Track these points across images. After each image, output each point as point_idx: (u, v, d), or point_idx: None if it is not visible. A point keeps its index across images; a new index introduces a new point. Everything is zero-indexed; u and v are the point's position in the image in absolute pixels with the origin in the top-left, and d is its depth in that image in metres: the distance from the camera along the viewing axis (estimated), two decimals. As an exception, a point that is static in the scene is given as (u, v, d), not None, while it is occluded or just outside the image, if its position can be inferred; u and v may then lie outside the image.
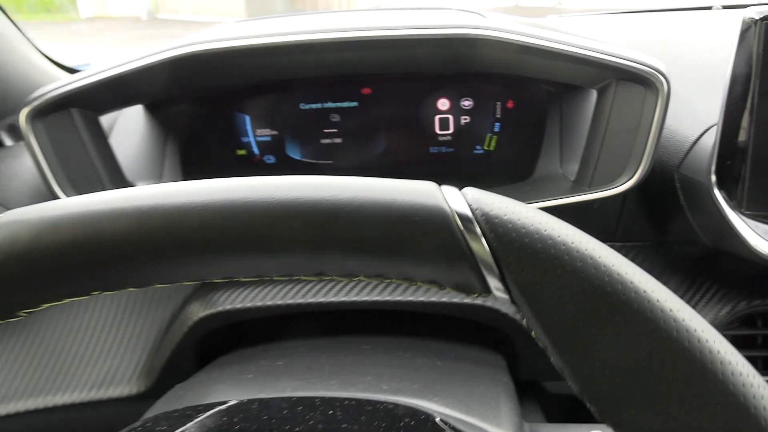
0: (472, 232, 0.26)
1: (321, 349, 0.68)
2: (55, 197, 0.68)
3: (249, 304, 0.72)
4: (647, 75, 0.59)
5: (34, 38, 0.95)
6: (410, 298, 0.71)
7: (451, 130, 0.88)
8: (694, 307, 0.72)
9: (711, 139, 0.65)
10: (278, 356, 0.66)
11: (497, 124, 0.87)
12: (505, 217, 0.26)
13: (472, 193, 0.27)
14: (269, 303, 0.72)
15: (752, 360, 0.73)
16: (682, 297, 0.74)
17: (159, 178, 0.80)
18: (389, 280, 0.29)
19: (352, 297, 0.72)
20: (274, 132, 0.89)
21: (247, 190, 0.27)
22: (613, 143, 0.64)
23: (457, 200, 0.27)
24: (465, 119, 0.87)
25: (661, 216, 0.74)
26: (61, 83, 0.66)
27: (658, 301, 0.25)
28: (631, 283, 0.25)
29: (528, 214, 0.27)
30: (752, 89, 0.61)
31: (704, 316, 0.71)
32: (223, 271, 0.28)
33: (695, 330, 0.25)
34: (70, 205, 0.27)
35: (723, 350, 0.25)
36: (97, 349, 0.77)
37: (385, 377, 0.60)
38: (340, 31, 0.63)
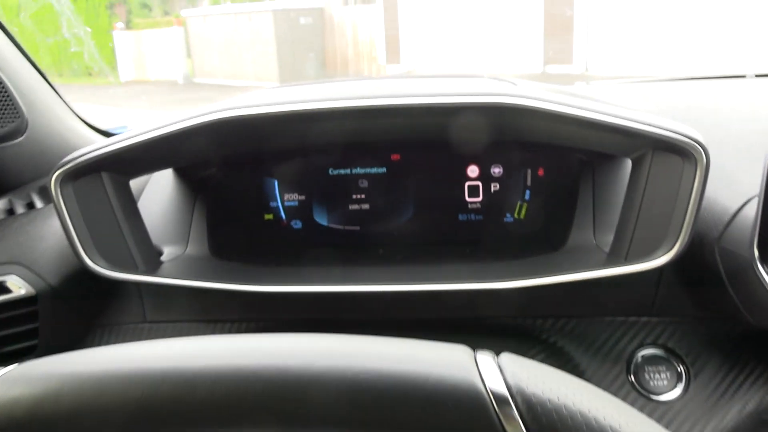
0: (510, 416, 0.24)
1: None
2: (81, 261, 0.67)
3: None
4: (684, 145, 0.58)
5: (74, 101, 0.97)
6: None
7: (480, 198, 0.86)
8: (737, 389, 0.68)
9: (752, 211, 0.63)
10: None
11: (528, 192, 0.85)
12: (544, 396, 0.24)
13: (509, 365, 0.25)
14: None
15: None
16: (723, 378, 0.70)
17: (185, 242, 0.80)
18: None
19: None
20: (302, 197, 0.89)
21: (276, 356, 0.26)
22: (649, 215, 0.62)
23: (492, 374, 0.25)
24: (495, 186, 0.86)
25: (701, 291, 0.71)
26: (93, 147, 0.66)
27: None
28: None
29: (568, 392, 0.25)
30: (795, 161, 0.59)
31: (748, 401, 0.67)
32: None
33: None
34: (72, 370, 0.26)
35: None
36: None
37: None
38: (374, 98, 0.63)
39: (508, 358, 0.26)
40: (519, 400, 0.24)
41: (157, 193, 0.83)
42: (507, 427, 0.24)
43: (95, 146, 0.66)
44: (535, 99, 0.59)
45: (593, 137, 0.63)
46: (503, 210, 0.86)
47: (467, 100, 0.61)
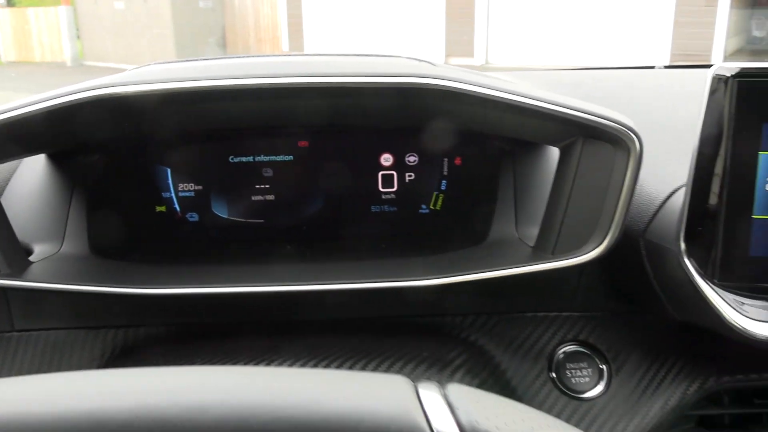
0: None
1: None
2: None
3: None
4: (617, 133, 0.54)
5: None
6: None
7: (395, 188, 0.81)
8: (659, 384, 0.66)
9: (679, 202, 0.60)
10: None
11: (444, 182, 0.80)
12: None
13: (460, 400, 0.21)
14: None
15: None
16: (645, 374, 0.68)
17: (60, 239, 0.69)
18: None
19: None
20: (199, 187, 0.80)
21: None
22: (578, 207, 0.58)
23: (439, 413, 0.20)
24: (410, 176, 0.81)
25: (625, 285, 0.69)
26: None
27: None
28: None
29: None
30: (724, 151, 0.57)
31: (671, 395, 0.66)
32: None
33: None
34: None
35: None
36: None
37: None
38: (276, 76, 0.56)
39: (456, 392, 0.22)
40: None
41: (26, 184, 0.72)
42: None
43: None
44: (461, 81, 0.54)
45: (519, 123, 0.59)
46: (419, 201, 0.81)
47: (380, 80, 0.55)
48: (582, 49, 8.46)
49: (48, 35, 12.99)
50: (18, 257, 0.62)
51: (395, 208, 0.82)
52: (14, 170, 0.74)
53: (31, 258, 0.65)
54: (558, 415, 0.66)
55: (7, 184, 0.72)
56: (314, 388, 0.21)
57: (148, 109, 0.60)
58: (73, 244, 0.68)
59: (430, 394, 0.21)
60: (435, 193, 0.81)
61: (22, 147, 0.65)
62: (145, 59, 4.78)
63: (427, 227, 0.81)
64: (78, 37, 12.75)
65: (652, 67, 1.05)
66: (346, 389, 0.22)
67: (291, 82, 0.56)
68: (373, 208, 0.82)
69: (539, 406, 0.67)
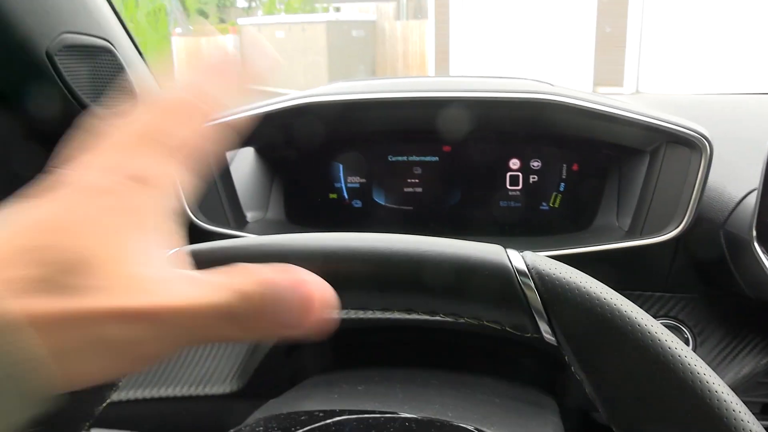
0: (527, 285, 0.34)
1: (395, 378, 0.78)
2: (192, 223, 0.82)
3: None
4: (693, 138, 0.69)
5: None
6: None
7: (519, 187, 0.98)
8: (735, 356, 0.79)
9: (752, 200, 0.74)
10: (359, 382, 0.76)
11: (563, 185, 0.97)
12: (554, 275, 0.34)
13: (530, 255, 0.35)
14: (346, 316, 0.83)
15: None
16: (725, 347, 0.81)
17: (265, 210, 0.94)
18: (463, 320, 0.38)
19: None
20: (363, 180, 1.02)
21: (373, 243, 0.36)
22: (662, 198, 0.73)
23: (517, 260, 0.35)
24: (533, 178, 0.98)
25: (709, 269, 0.82)
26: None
27: (666, 342, 0.33)
28: (647, 328, 0.33)
29: (572, 275, 0.35)
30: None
31: (744, 366, 0.78)
32: (358, 302, 0.37)
33: (699, 371, 0.32)
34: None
35: (715, 384, 0.32)
36: (199, 352, 0.89)
37: (450, 406, 0.69)
38: (429, 91, 0.76)
39: (530, 252, 0.36)
40: (534, 274, 0.34)
41: (242, 169, 0.97)
42: (526, 292, 0.34)
43: None
44: (567, 97, 0.72)
45: (617, 131, 0.75)
46: (540, 199, 0.98)
47: (510, 96, 0.74)
48: (736, 74, 8.02)
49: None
50: (240, 218, 0.87)
51: (520, 204, 0.99)
52: (232, 159, 1.01)
53: (247, 219, 0.90)
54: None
55: (230, 166, 0.98)
56: (448, 244, 0.36)
57: (333, 115, 0.83)
58: (275, 213, 0.93)
59: (512, 251, 0.35)
60: (554, 193, 0.98)
61: (243, 141, 0.91)
62: (300, 83, 5.16)
63: (546, 221, 0.97)
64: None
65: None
66: (466, 244, 0.36)
67: (440, 96, 0.76)
68: (502, 203, 1.00)
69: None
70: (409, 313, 0.38)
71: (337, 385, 0.73)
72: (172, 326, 0.25)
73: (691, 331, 0.82)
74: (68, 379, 0.23)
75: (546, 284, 0.34)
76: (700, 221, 0.77)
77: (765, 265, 0.70)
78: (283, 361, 0.85)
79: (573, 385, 0.82)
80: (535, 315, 0.34)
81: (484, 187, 0.99)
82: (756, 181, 0.76)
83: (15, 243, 0.24)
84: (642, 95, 1.19)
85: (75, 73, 0.77)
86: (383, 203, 1.02)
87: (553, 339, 0.34)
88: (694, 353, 0.33)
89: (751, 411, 0.33)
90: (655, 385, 0.32)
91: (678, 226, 0.71)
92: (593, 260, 0.77)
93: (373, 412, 0.58)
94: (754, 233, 0.71)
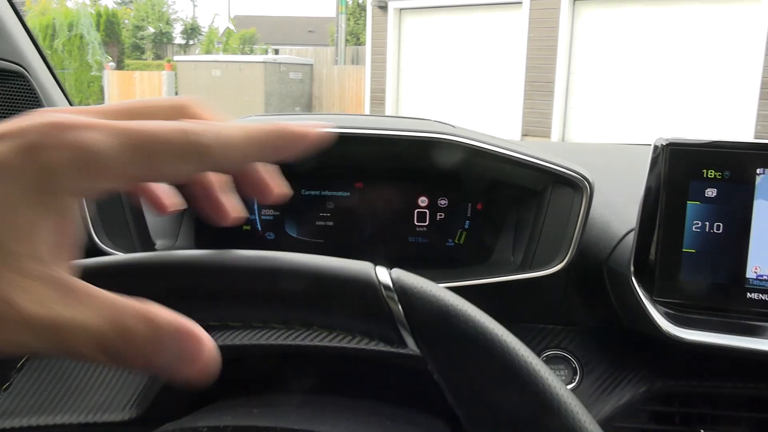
0: (392, 298, 0.36)
1: (293, 402, 0.79)
2: (91, 240, 0.82)
3: (240, 342, 0.84)
4: (575, 180, 0.75)
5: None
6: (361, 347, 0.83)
7: (427, 223, 1.03)
8: (617, 384, 0.84)
9: (631, 239, 0.80)
10: (256, 405, 0.77)
11: (467, 222, 1.02)
12: (416, 289, 0.36)
13: (397, 272, 0.37)
14: (249, 343, 0.84)
15: (671, 437, 0.83)
16: (609, 377, 0.86)
17: (175, 239, 0.95)
18: (336, 332, 0.40)
19: (324, 343, 0.84)
20: (277, 213, 1.04)
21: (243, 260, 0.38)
22: (549, 234, 0.79)
23: (384, 275, 0.37)
24: (440, 215, 1.03)
25: (594, 302, 0.87)
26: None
27: (512, 346, 0.36)
28: (495, 334, 0.36)
29: (434, 289, 0.37)
30: (660, 201, 0.77)
31: (624, 393, 0.83)
32: (236, 315, 0.39)
33: (543, 375, 0.35)
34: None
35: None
36: (99, 379, 0.88)
37: (342, 426, 0.71)
38: (342, 128, 0.80)
39: (397, 270, 0.38)
40: (398, 289, 0.36)
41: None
42: (390, 305, 0.36)
43: None
44: (459, 137, 0.77)
45: (509, 171, 0.80)
46: (446, 236, 1.03)
47: (407, 134, 0.79)
48: (660, 125, 8.50)
49: (150, 95, 14.09)
50: (147, 244, 0.88)
51: (427, 240, 1.03)
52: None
53: (156, 247, 0.91)
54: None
55: (141, 197, 0.99)
56: (319, 260, 0.37)
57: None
58: (184, 241, 0.94)
59: (381, 268, 0.37)
60: (460, 230, 1.02)
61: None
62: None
63: (450, 255, 1.02)
64: (177, 99, 13.75)
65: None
66: (337, 261, 0.37)
67: (341, 131, 0.80)
68: (410, 239, 1.04)
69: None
70: (287, 328, 0.40)
71: (234, 408, 0.74)
72: (27, 331, 0.25)
73: (579, 362, 0.87)
74: None
75: (408, 297, 0.36)
76: (586, 257, 0.83)
77: (641, 298, 0.76)
78: (184, 387, 0.85)
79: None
80: (399, 327, 0.36)
81: (393, 223, 1.03)
82: (634, 221, 0.83)
83: None
84: (541, 141, 1.27)
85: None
86: (295, 236, 1.04)
87: (417, 350, 0.37)
88: (540, 360, 0.36)
89: None
90: (504, 391, 0.35)
91: (563, 260, 0.77)
92: (490, 292, 0.81)
93: (257, 427, 0.59)
94: (632, 268, 0.77)
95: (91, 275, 0.32)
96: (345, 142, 0.82)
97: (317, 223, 1.03)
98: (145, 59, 21.65)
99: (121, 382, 0.87)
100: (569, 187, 0.77)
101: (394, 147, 0.82)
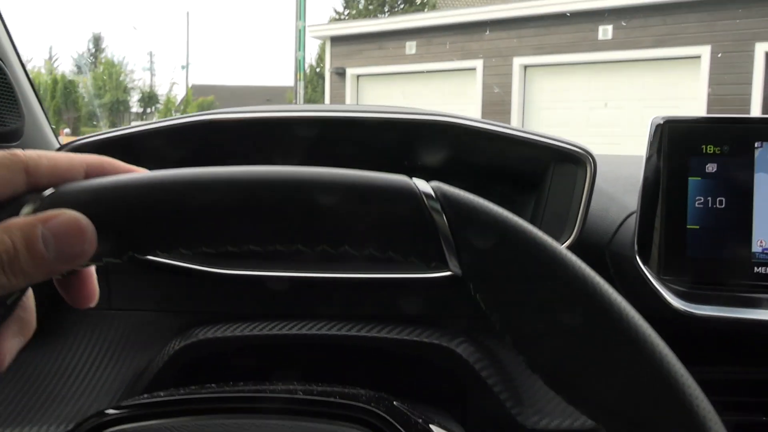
0: (435, 208, 0.31)
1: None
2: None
3: (224, 335, 0.79)
4: (579, 155, 0.74)
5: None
6: (372, 335, 0.79)
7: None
8: None
9: (632, 222, 0.79)
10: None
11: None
12: (462, 199, 0.32)
13: (437, 183, 0.33)
14: (237, 334, 0.79)
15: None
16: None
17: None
18: (367, 251, 0.36)
19: (315, 331, 0.80)
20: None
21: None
22: (551, 214, 0.77)
23: (424, 185, 0.33)
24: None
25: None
26: (96, 133, 0.79)
27: (579, 265, 0.31)
28: (557, 252, 0.31)
29: (481, 200, 0.33)
30: (662, 179, 0.76)
31: None
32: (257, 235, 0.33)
33: (615, 299, 0.30)
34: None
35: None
36: (74, 387, 0.81)
37: None
38: (338, 111, 0.79)
39: (437, 182, 0.33)
40: (442, 197, 0.31)
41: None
42: (433, 214, 0.31)
43: (98, 132, 0.78)
44: (458, 118, 0.76)
45: (509, 152, 0.79)
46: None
47: (424, 118, 0.77)
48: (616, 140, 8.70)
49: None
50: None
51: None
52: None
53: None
54: (544, 397, 0.81)
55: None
56: (351, 172, 0.32)
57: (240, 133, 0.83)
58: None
59: (418, 179, 0.32)
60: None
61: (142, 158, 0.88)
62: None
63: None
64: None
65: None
66: (369, 173, 0.32)
67: (341, 115, 0.78)
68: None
69: (530, 388, 0.82)
70: (311, 248, 0.35)
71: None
72: None
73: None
74: None
75: (454, 207, 0.32)
76: (588, 244, 0.81)
77: (648, 277, 0.74)
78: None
79: (477, 410, 0.81)
80: (441, 240, 0.32)
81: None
82: (634, 205, 0.82)
83: None
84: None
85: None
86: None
87: (458, 268, 0.32)
88: (611, 286, 0.32)
89: None
90: (567, 309, 0.30)
91: (569, 238, 0.75)
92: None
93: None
94: (636, 248, 0.76)
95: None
96: (339, 126, 0.80)
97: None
98: (101, 127, 21.56)
99: (97, 390, 0.81)
100: (572, 163, 0.76)
101: (388, 133, 0.80)
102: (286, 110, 0.80)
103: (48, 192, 0.33)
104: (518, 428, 0.78)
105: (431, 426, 0.52)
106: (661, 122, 0.76)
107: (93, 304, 0.38)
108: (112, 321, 0.88)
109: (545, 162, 0.79)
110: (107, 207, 0.32)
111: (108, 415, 0.46)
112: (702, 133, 0.76)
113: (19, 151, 0.34)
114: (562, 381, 0.31)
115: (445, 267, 0.33)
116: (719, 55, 8.79)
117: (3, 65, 0.87)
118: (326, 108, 0.82)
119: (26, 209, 0.33)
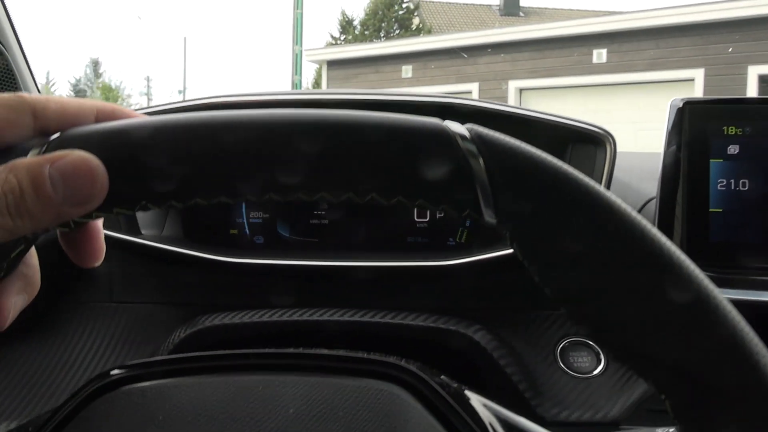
0: (470, 150, 0.29)
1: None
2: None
3: (232, 321, 0.76)
4: (598, 135, 0.72)
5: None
6: (387, 320, 0.76)
7: (427, 220, 0.98)
8: None
9: (651, 208, 0.77)
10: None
11: (469, 219, 0.97)
12: (500, 142, 0.29)
13: (472, 124, 0.31)
14: (245, 321, 0.76)
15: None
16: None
17: (161, 229, 0.87)
18: (396, 199, 0.33)
19: (328, 317, 0.77)
20: (266, 215, 0.98)
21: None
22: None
23: (457, 126, 0.30)
24: (440, 215, 0.98)
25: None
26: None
27: (629, 212, 0.28)
28: (606, 199, 0.28)
29: (522, 145, 0.30)
30: (682, 161, 0.74)
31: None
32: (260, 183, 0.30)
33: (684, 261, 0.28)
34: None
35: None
36: (75, 380, 0.78)
37: None
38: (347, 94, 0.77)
39: (470, 123, 0.31)
40: (477, 139, 0.29)
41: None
42: (469, 158, 0.29)
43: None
44: (471, 100, 0.74)
45: (530, 132, 0.77)
46: (447, 235, 0.98)
47: (427, 99, 0.76)
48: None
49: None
50: (135, 234, 0.80)
51: (427, 239, 0.98)
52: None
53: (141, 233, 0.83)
54: (563, 389, 0.78)
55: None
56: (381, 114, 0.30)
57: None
58: (171, 231, 0.86)
59: (451, 121, 0.30)
60: (461, 228, 0.98)
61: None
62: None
63: (452, 255, 0.97)
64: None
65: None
66: (400, 115, 0.30)
67: (343, 97, 0.76)
68: (409, 239, 0.98)
69: (548, 380, 0.79)
70: (334, 196, 0.32)
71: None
72: None
73: (601, 349, 0.81)
74: None
75: (491, 149, 0.29)
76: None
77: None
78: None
79: (496, 400, 0.78)
80: (477, 185, 0.29)
81: (392, 222, 0.98)
82: (651, 193, 0.80)
83: None
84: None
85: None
86: (288, 236, 0.98)
87: (494, 218, 0.29)
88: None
89: None
90: (616, 256, 0.27)
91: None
92: (503, 270, 0.76)
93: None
94: (657, 234, 0.74)
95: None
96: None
97: (311, 221, 0.97)
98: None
99: None
100: (591, 144, 0.74)
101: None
102: (300, 94, 0.78)
103: (56, 135, 0.31)
104: (537, 420, 0.75)
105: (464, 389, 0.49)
106: (681, 104, 0.74)
107: (98, 263, 0.36)
108: (114, 314, 0.85)
109: (563, 143, 0.77)
110: (120, 150, 0.29)
111: (112, 376, 0.43)
112: (723, 114, 0.74)
113: (25, 94, 0.32)
114: (611, 336, 0.28)
115: (478, 215, 0.31)
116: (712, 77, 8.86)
117: (5, 51, 0.86)
118: (342, 92, 0.80)
119: (34, 151, 0.31)
